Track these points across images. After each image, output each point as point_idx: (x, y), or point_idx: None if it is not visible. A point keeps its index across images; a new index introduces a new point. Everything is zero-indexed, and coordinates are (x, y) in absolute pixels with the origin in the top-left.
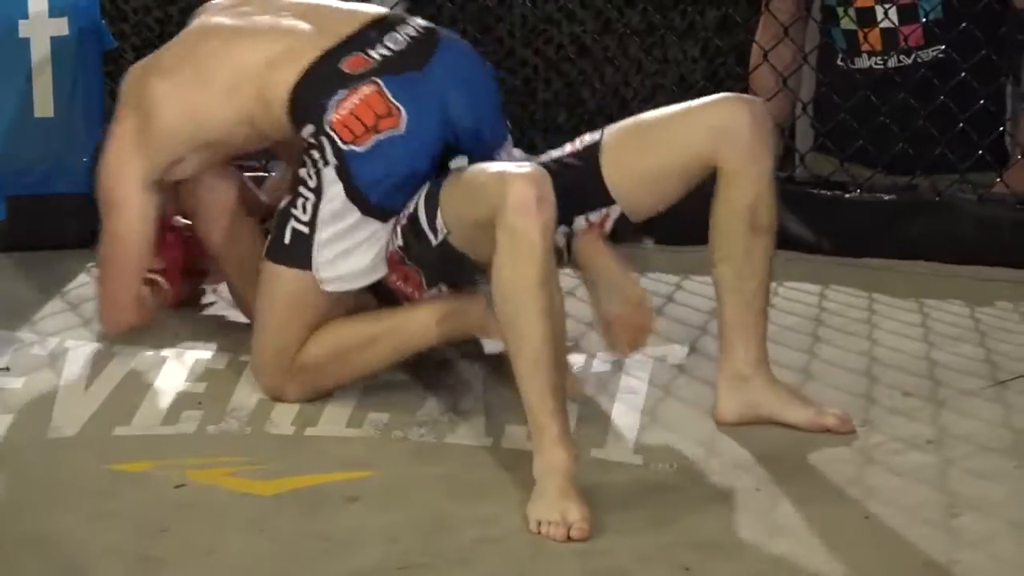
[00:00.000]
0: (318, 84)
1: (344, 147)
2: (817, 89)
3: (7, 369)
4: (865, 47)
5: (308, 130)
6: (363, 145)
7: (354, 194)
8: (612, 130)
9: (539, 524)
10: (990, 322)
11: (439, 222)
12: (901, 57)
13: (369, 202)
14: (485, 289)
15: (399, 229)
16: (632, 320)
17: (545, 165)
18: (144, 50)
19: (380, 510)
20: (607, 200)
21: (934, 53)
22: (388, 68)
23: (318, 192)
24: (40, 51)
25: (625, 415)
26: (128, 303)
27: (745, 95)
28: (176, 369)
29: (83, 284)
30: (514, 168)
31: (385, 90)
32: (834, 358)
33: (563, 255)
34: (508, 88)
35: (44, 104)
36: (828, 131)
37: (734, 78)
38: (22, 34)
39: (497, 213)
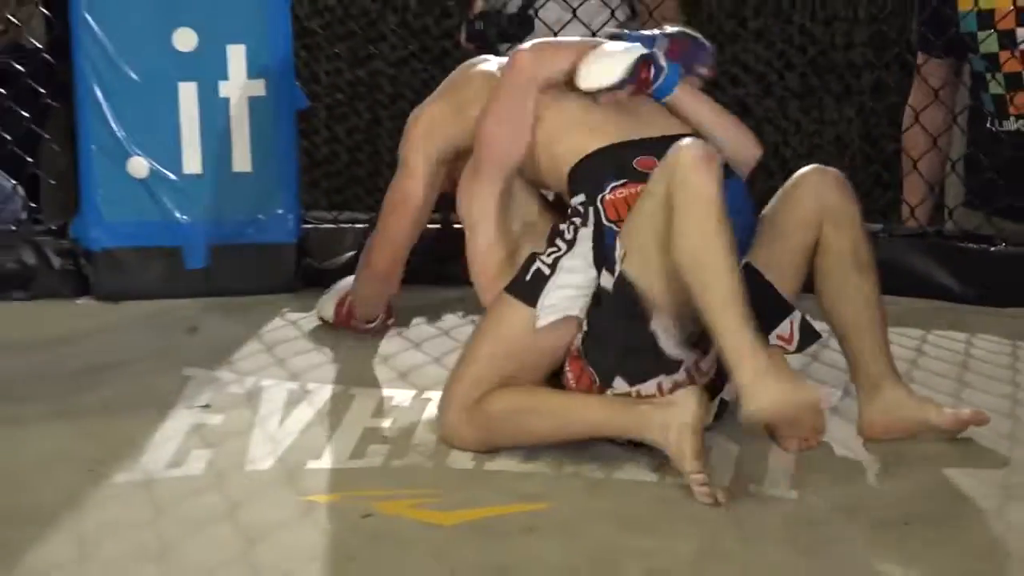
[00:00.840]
0: (608, 163)
1: (605, 223)
2: (967, 149)
3: (208, 406)
4: (1012, 110)
5: (578, 199)
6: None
7: (597, 256)
8: (751, 255)
9: (782, 412)
10: None
11: (617, 251)
12: None
13: (609, 265)
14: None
15: (587, 317)
16: (806, 423)
17: None
18: (335, 109)
19: (555, 541)
20: (787, 307)
21: None
22: None
23: (570, 244)
24: (239, 110)
25: (782, 454)
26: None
27: (821, 165)
28: (364, 406)
29: (278, 327)
30: (684, 144)
31: None
32: (979, 402)
33: None
34: None
35: (242, 160)
36: (976, 187)
37: (887, 138)
38: (222, 94)
39: (671, 179)
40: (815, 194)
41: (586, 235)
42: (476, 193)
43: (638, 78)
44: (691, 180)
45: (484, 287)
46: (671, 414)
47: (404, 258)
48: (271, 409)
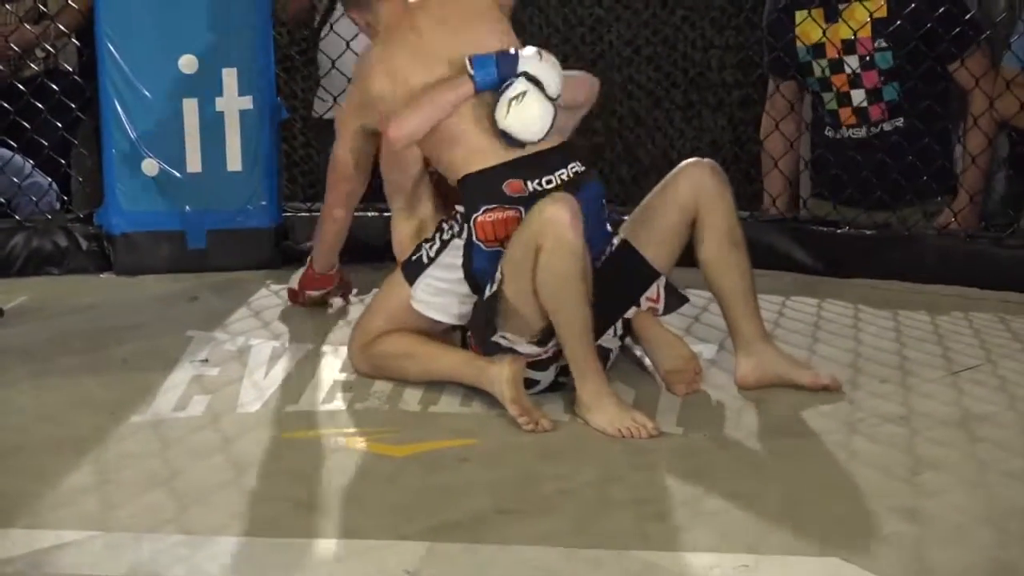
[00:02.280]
0: (482, 187)
1: (475, 241)
2: (813, 151)
3: (206, 360)
4: (844, 121)
5: (460, 210)
6: (488, 248)
7: (465, 268)
8: (625, 226)
9: (618, 430)
10: (946, 327)
11: (498, 274)
12: (870, 128)
13: (474, 276)
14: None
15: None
16: (687, 369)
17: (602, 269)
18: (308, 119)
19: (485, 468)
20: (654, 273)
21: (895, 124)
22: (536, 201)
23: (444, 246)
24: (231, 121)
25: (669, 397)
26: None
27: (698, 158)
28: (332, 362)
29: (263, 296)
30: (550, 198)
31: (523, 219)
32: (829, 354)
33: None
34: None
35: (234, 161)
36: (823, 182)
37: (752, 142)
38: (218, 108)
39: (539, 229)
40: (692, 181)
41: (458, 245)
42: (390, 195)
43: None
44: (557, 232)
45: (398, 256)
46: (496, 370)
47: (342, 213)
48: (258, 363)
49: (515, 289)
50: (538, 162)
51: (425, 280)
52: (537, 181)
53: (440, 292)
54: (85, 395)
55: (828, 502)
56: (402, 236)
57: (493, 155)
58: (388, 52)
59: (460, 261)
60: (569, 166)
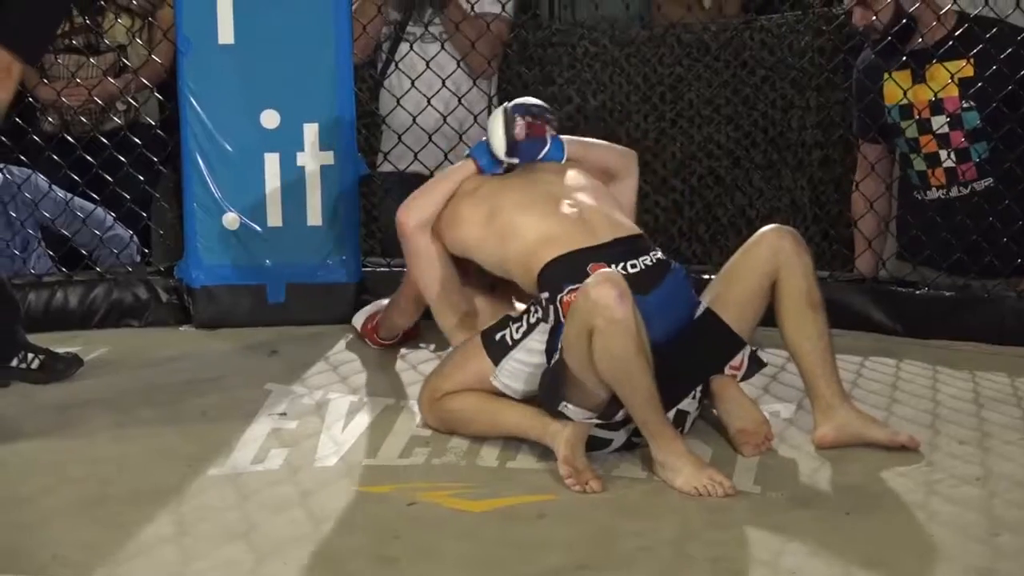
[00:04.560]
0: (566, 270)
1: (563, 320)
2: (898, 211)
3: (284, 414)
4: (933, 182)
5: (544, 295)
6: None
7: (549, 352)
8: (707, 292)
9: (695, 488)
10: None
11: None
12: (960, 188)
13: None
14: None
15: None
16: (758, 432)
17: (687, 336)
18: (390, 176)
19: (562, 524)
20: (740, 342)
21: (985, 183)
22: None
23: (531, 329)
24: (312, 175)
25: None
26: None
27: (778, 225)
28: (409, 416)
29: (341, 351)
30: (594, 277)
31: None
32: (907, 415)
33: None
34: (661, 208)
35: (315, 215)
36: (905, 243)
37: (833, 202)
38: (299, 163)
39: (588, 312)
40: (772, 247)
41: (544, 329)
42: (434, 307)
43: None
44: (608, 316)
45: (448, 335)
46: (557, 428)
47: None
48: (336, 417)
49: (575, 367)
50: (619, 248)
51: (509, 363)
52: (621, 265)
53: (524, 375)
54: (164, 447)
55: (906, 562)
56: (446, 326)
57: (571, 241)
58: None
59: (544, 346)
60: (651, 253)
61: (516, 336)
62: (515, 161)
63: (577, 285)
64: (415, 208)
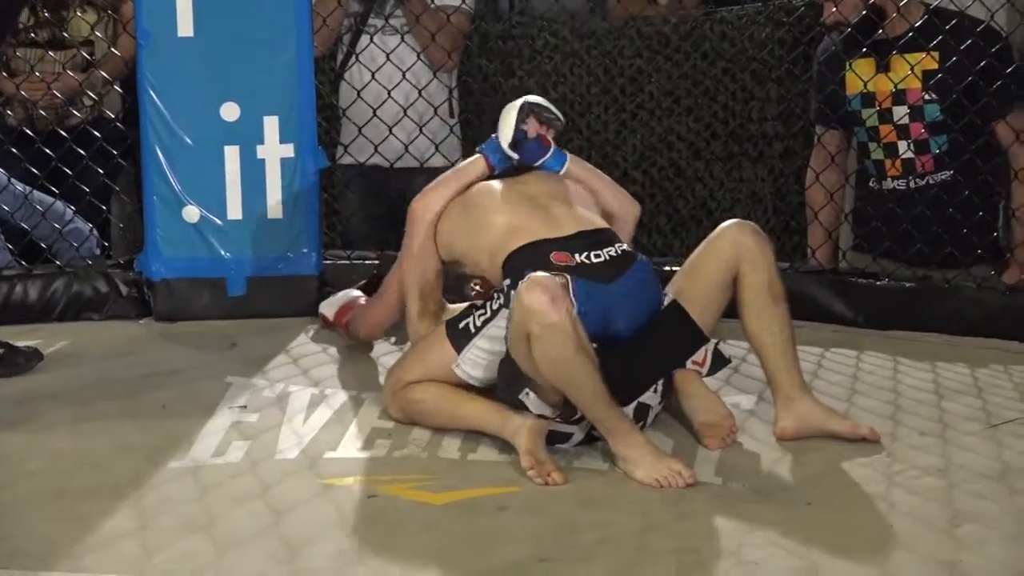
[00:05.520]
0: (529, 258)
1: None
2: (856, 202)
3: (245, 406)
4: (890, 172)
5: (507, 282)
6: None
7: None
8: (672, 285)
9: (656, 479)
10: (985, 380)
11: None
12: (917, 180)
13: None
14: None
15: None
16: (722, 425)
17: (652, 328)
18: (350, 168)
19: (524, 517)
20: (703, 338)
21: (943, 176)
22: (582, 272)
23: (493, 316)
24: (272, 169)
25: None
26: None
27: (739, 219)
28: (371, 409)
29: (302, 343)
30: (525, 283)
31: (571, 285)
32: (868, 406)
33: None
34: None
35: (275, 208)
36: (864, 234)
37: (794, 193)
38: (259, 156)
39: (523, 318)
40: (733, 241)
41: (506, 314)
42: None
43: (536, 132)
44: (540, 320)
45: (410, 330)
46: (519, 421)
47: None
48: (296, 409)
49: (526, 371)
50: (583, 239)
51: (472, 351)
52: (584, 255)
53: (486, 363)
54: (124, 440)
55: (867, 553)
56: (413, 314)
57: (535, 232)
58: None
59: (505, 332)
60: (616, 244)
61: (478, 323)
62: (516, 157)
63: (539, 272)
64: (432, 199)
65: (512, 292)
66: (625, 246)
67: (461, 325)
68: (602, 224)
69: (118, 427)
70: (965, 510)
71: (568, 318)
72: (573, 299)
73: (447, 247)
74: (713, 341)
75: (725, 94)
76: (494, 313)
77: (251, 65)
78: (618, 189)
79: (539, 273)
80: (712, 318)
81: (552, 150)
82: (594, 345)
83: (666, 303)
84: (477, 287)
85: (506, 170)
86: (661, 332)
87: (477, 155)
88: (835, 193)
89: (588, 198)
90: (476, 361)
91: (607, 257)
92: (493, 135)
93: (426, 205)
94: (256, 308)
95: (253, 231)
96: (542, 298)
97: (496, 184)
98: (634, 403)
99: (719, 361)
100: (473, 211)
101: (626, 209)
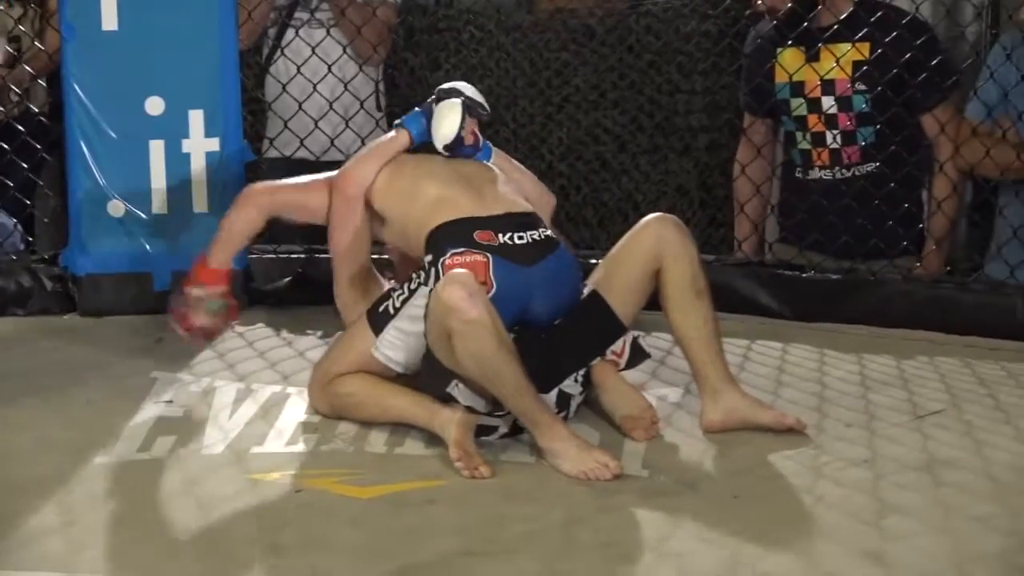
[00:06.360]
0: (452, 235)
1: None
2: (781, 194)
3: (171, 402)
4: (817, 162)
5: (428, 258)
6: None
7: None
8: (593, 277)
9: (582, 472)
10: (912, 372)
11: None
12: (843, 171)
13: None
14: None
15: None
16: (644, 417)
17: (572, 318)
18: (276, 161)
19: (451, 510)
20: (621, 328)
21: (869, 168)
22: (503, 253)
23: (411, 295)
24: (198, 162)
25: (635, 440)
26: None
27: (662, 213)
28: (297, 403)
29: (228, 338)
30: (443, 281)
31: (491, 265)
32: (794, 398)
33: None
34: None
35: (201, 202)
36: (790, 226)
37: (719, 186)
38: (184, 150)
39: (442, 315)
40: (656, 235)
41: (424, 292)
42: (337, 267)
43: (472, 134)
44: (459, 316)
45: (344, 313)
46: (448, 414)
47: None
48: (222, 404)
49: (449, 367)
50: (509, 220)
51: (390, 332)
52: (508, 235)
53: (405, 344)
54: (49, 436)
55: (794, 545)
56: (347, 299)
57: (462, 209)
58: None
59: (424, 311)
60: (540, 229)
61: (397, 304)
62: (446, 155)
63: (461, 249)
64: (357, 174)
65: (432, 269)
66: (549, 232)
67: (381, 308)
68: (529, 208)
69: (43, 423)
70: (891, 501)
71: (487, 314)
72: (492, 278)
73: (380, 212)
74: (632, 334)
75: (651, 87)
76: (412, 292)
77: (176, 59)
78: (536, 180)
79: (457, 270)
80: (632, 310)
81: (483, 148)
82: (514, 328)
83: (586, 293)
84: (391, 277)
85: (426, 144)
86: (580, 320)
87: (400, 128)
88: (761, 185)
89: (515, 185)
90: (394, 343)
91: (530, 240)
92: (416, 108)
93: (351, 180)
94: None
95: (178, 225)
96: (460, 294)
97: (436, 158)
98: (555, 392)
99: (638, 354)
100: (407, 179)
101: (544, 200)
